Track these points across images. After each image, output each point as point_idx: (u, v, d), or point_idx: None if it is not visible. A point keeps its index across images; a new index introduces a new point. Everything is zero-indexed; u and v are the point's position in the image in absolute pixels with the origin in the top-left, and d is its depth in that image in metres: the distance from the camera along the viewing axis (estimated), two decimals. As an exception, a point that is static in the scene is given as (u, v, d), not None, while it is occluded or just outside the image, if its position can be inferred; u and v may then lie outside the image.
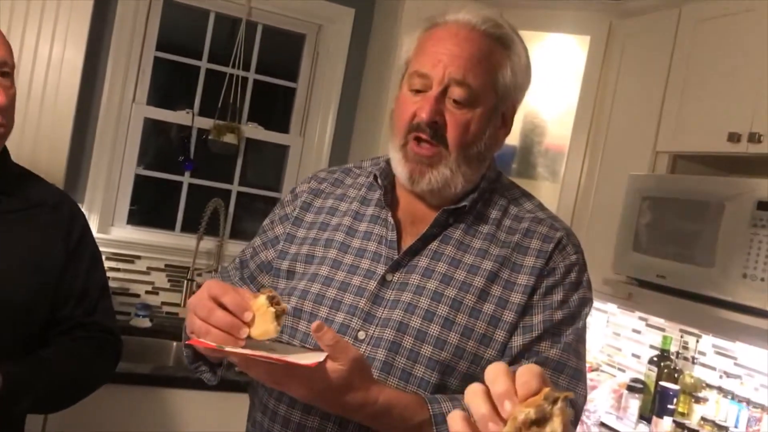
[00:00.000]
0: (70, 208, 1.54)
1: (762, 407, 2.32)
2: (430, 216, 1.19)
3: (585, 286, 1.19)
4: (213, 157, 3.19)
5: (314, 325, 0.94)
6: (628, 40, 2.79)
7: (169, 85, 3.23)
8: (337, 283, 1.17)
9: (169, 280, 3.10)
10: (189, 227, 3.19)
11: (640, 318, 2.91)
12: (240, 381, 2.44)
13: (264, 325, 0.96)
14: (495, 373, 0.63)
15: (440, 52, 1.13)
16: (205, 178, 3.24)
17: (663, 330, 2.78)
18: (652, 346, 2.82)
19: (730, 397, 2.43)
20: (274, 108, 3.42)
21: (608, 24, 2.86)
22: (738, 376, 2.44)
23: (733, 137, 2.20)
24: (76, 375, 1.45)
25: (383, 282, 1.16)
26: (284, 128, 3.36)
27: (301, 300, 1.17)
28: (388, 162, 1.23)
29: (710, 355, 2.57)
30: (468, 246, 1.18)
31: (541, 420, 0.58)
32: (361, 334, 1.14)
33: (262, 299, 0.97)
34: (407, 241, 1.19)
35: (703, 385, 2.55)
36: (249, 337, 0.96)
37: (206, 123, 3.15)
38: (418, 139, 1.15)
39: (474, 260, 1.16)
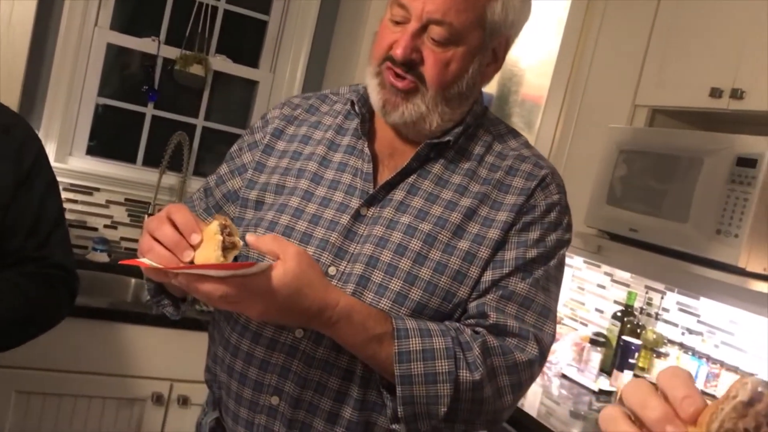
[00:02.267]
0: (23, 132, 1.41)
1: (721, 363, 2.34)
2: (409, 149, 1.13)
3: (564, 227, 1.15)
4: (178, 89, 3.06)
5: (248, 238, 0.93)
6: (614, -11, 2.72)
7: (134, 9, 3.07)
8: (308, 216, 1.11)
9: (128, 215, 2.99)
10: (151, 161, 3.07)
11: (606, 273, 2.91)
12: (200, 319, 2.39)
13: (208, 253, 0.90)
14: (638, 394, 0.50)
15: None
16: (169, 111, 3.11)
17: (628, 286, 2.78)
18: (616, 302, 2.83)
19: (690, 353, 2.45)
20: (244, 41, 3.28)
21: (594, -28, 2.78)
22: (700, 333, 2.46)
23: (715, 92, 2.16)
24: (20, 313, 1.33)
25: (357, 216, 1.10)
26: (254, 63, 3.24)
27: (269, 232, 1.11)
28: (367, 89, 1.16)
29: (674, 312, 2.58)
30: (447, 181, 1.12)
31: None
32: (332, 270, 1.08)
33: (214, 225, 0.91)
34: (384, 174, 1.13)
35: (665, 341, 2.56)
36: (193, 261, 0.91)
37: (172, 52, 3.01)
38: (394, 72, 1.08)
39: (452, 196, 1.11)
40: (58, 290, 1.42)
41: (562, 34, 2.84)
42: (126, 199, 2.98)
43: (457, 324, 1.07)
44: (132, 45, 3.00)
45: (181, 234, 0.90)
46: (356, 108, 1.15)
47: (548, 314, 1.11)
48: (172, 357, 2.41)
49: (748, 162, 1.90)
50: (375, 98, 1.10)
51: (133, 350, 2.38)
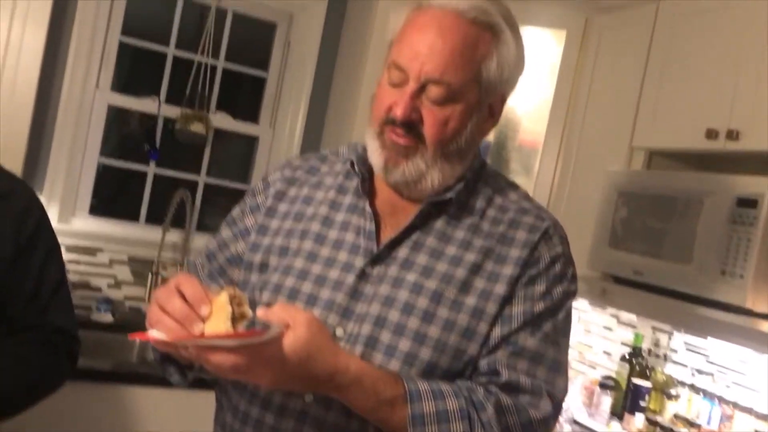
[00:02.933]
0: (24, 198, 1.43)
1: (734, 404, 2.31)
2: (410, 206, 1.14)
3: (569, 278, 1.15)
4: (179, 147, 3.10)
5: (258, 312, 0.93)
6: (605, 35, 2.77)
7: (134, 71, 3.12)
8: (313, 277, 1.11)
9: (132, 274, 2.99)
10: (154, 219, 3.09)
11: (612, 315, 2.89)
12: (207, 379, 2.36)
13: (218, 324, 0.90)
14: None
15: (420, 44, 1.06)
16: (170, 168, 3.14)
17: (634, 327, 2.77)
18: (623, 343, 2.81)
19: (701, 394, 2.42)
20: (244, 98, 3.33)
21: (584, 18, 2.83)
22: (710, 374, 2.44)
23: (711, 134, 2.18)
24: (22, 381, 1.34)
25: (362, 275, 1.10)
26: (254, 118, 3.28)
27: (275, 294, 1.11)
28: (365, 149, 1.17)
29: (682, 353, 2.56)
30: (450, 237, 1.12)
31: None
32: (339, 331, 1.08)
33: (223, 296, 0.92)
34: (387, 232, 1.14)
35: (675, 382, 2.54)
36: (203, 333, 0.91)
37: (173, 111, 3.05)
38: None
39: (456, 252, 1.11)
40: (60, 355, 1.43)
41: (555, 79, 2.89)
42: (129, 258, 2.98)
43: (469, 383, 1.06)
44: (133, 105, 3.05)
45: (190, 306, 0.91)
46: (356, 168, 1.16)
47: (559, 368, 1.10)
48: (180, 419, 2.38)
49: (748, 202, 1.91)
50: (377, 158, 1.11)
51: (139, 412, 2.36)
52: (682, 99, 2.35)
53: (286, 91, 3.25)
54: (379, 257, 1.11)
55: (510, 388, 1.06)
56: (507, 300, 1.09)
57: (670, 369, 2.58)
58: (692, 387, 2.47)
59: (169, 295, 0.92)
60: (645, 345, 2.66)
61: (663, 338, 2.63)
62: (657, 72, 2.47)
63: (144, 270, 2.99)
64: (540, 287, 1.10)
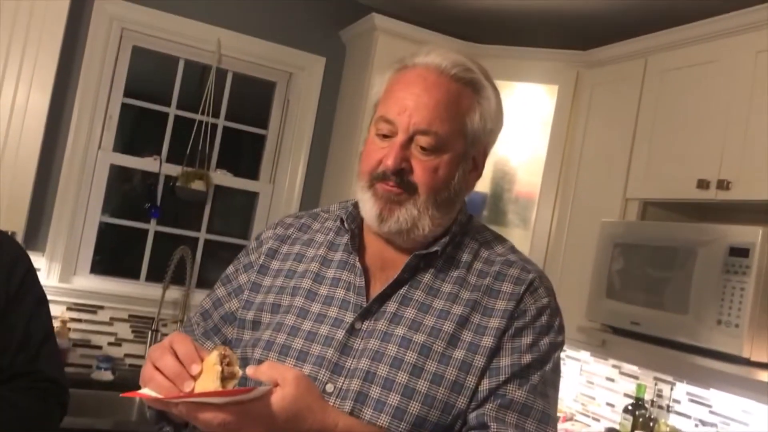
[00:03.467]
0: (12, 250, 1.47)
1: (739, 456, 2.29)
2: (399, 260, 1.16)
3: (556, 330, 1.16)
4: (180, 205, 3.14)
5: (248, 371, 0.95)
6: (596, 89, 2.83)
7: (136, 130, 3.19)
8: (303, 333, 1.12)
9: (132, 331, 3.00)
10: (154, 276, 3.11)
11: (614, 366, 2.88)
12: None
13: (208, 382, 0.93)
14: None
15: (406, 98, 1.11)
16: (171, 225, 3.18)
17: (637, 378, 2.75)
18: (626, 395, 2.79)
19: (706, 446, 2.40)
20: (244, 155, 3.39)
21: (575, 73, 2.90)
22: (714, 425, 2.41)
23: (702, 184, 2.21)
24: (13, 426, 1.36)
25: (352, 330, 1.11)
26: (253, 175, 3.33)
27: (266, 351, 1.12)
28: (355, 205, 1.20)
29: (685, 403, 2.54)
30: (438, 290, 1.14)
31: None
32: (329, 387, 1.08)
33: (213, 355, 0.94)
34: (376, 287, 1.15)
35: (679, 434, 2.51)
36: (193, 391, 0.93)
37: (174, 170, 3.10)
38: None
39: (444, 305, 1.13)
40: (49, 403, 1.45)
41: (549, 131, 2.94)
42: (130, 316, 2.99)
43: None
44: (134, 165, 3.10)
45: (182, 364, 0.92)
46: (346, 224, 1.19)
47: (548, 420, 1.11)
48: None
49: (740, 252, 1.93)
50: (370, 209, 1.13)
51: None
52: (673, 150, 2.39)
53: (286, 148, 3.30)
54: (369, 312, 1.13)
55: None
56: (495, 352, 1.10)
57: (673, 420, 2.56)
58: (696, 438, 2.45)
59: (162, 353, 0.94)
60: (647, 396, 2.64)
61: (665, 389, 2.61)
62: (648, 124, 2.52)
63: (144, 327, 3.00)
64: (527, 339, 1.11)
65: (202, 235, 3.23)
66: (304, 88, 3.29)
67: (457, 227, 1.19)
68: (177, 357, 0.94)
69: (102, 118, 2.98)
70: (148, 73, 3.16)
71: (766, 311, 1.87)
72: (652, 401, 2.64)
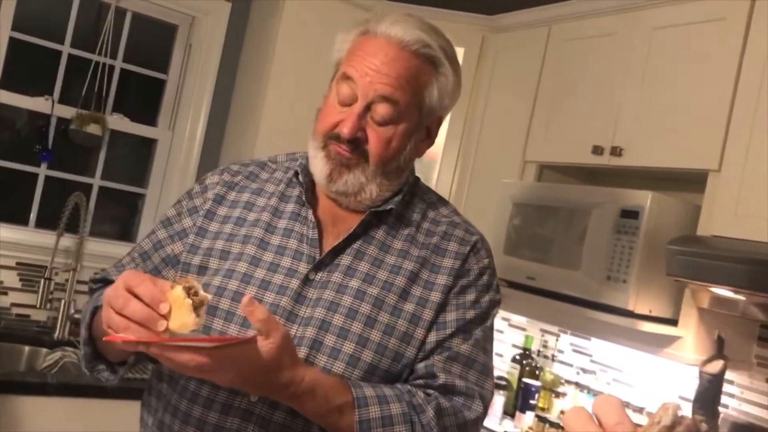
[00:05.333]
0: None
1: (614, 400, 2.51)
2: (351, 217, 1.20)
3: (495, 288, 1.25)
4: (73, 148, 2.99)
5: (244, 299, 0.94)
6: (500, 54, 2.93)
7: (26, 68, 2.99)
8: (257, 281, 1.15)
9: (20, 279, 2.86)
10: (44, 222, 2.96)
11: (504, 318, 3.06)
12: (106, 387, 2.30)
13: (182, 317, 0.92)
14: (577, 421, 0.61)
15: (368, 66, 1.14)
16: (63, 170, 3.03)
17: (524, 329, 2.94)
18: (514, 345, 2.98)
19: (586, 391, 2.62)
20: (142, 100, 3.26)
21: (481, 37, 2.99)
22: (593, 372, 2.64)
23: (597, 150, 2.38)
24: None
25: (306, 281, 1.15)
26: (152, 122, 3.22)
27: (218, 297, 1.14)
28: (307, 158, 1.22)
29: (568, 353, 2.76)
30: (389, 247, 1.20)
31: None
32: (283, 333, 1.12)
33: (178, 290, 0.93)
34: (329, 241, 1.19)
35: (562, 381, 2.73)
36: (168, 329, 0.93)
37: (67, 112, 2.94)
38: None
39: (395, 260, 1.19)
40: None
41: (454, 94, 3.03)
42: (17, 263, 2.85)
43: (409, 387, 1.15)
44: (24, 104, 2.91)
45: (149, 305, 0.92)
46: (300, 177, 1.21)
47: (488, 372, 1.21)
48: (73, 428, 2.31)
49: (630, 214, 2.10)
50: (321, 169, 1.17)
51: (26, 422, 2.26)
52: (571, 117, 2.54)
53: (187, 95, 3.21)
54: (322, 263, 1.17)
55: (446, 390, 1.15)
56: (441, 307, 1.18)
57: (557, 369, 2.77)
58: (577, 384, 2.67)
59: (126, 300, 0.93)
60: (534, 347, 2.84)
61: (551, 340, 2.82)
62: (548, 91, 2.66)
63: (34, 276, 2.86)
64: (470, 296, 1.20)
65: (96, 182, 3.10)
66: (207, 34, 3.19)
67: (407, 188, 1.25)
68: (141, 300, 0.93)
69: (-12, 52, 2.77)
70: (40, 8, 2.96)
71: (650, 268, 2.06)
72: (539, 351, 2.84)
